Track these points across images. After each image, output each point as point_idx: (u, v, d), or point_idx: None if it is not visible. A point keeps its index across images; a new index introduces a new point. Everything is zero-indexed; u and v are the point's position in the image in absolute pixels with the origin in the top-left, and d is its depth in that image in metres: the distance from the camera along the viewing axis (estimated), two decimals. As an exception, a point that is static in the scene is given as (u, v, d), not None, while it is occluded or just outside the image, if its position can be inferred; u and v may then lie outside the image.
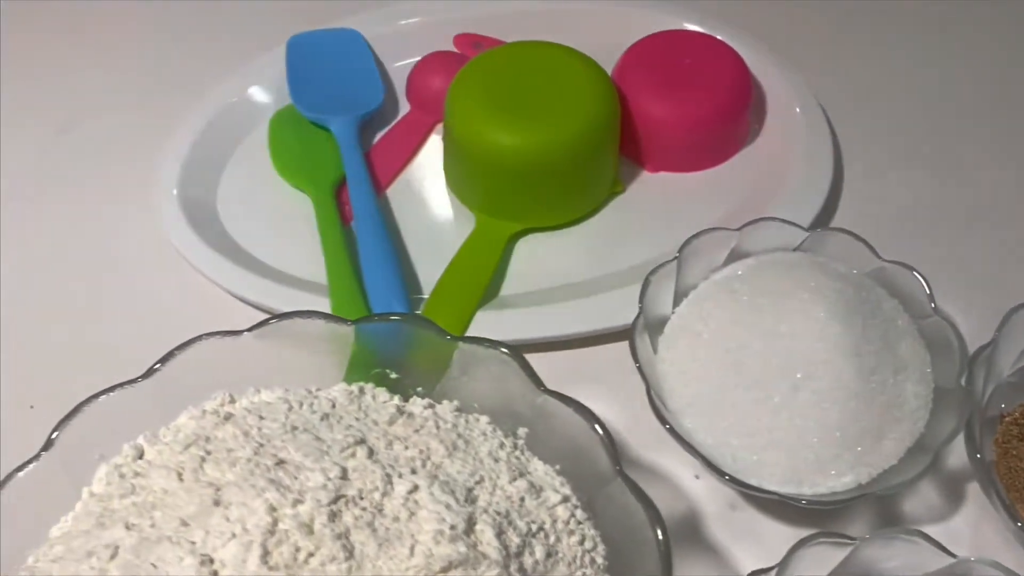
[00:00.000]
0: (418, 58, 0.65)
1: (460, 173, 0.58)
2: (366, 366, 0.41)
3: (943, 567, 0.38)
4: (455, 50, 0.65)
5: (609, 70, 0.58)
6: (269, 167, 0.61)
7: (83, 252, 0.58)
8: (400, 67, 0.67)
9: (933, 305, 0.45)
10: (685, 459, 0.46)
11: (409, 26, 0.68)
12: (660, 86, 0.58)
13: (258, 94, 0.64)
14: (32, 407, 0.50)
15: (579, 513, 0.37)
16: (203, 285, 0.55)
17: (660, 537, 0.34)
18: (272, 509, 0.32)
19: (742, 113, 0.59)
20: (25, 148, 0.65)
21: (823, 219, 0.56)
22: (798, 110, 0.60)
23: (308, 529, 0.31)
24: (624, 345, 0.50)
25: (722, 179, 0.60)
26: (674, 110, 0.57)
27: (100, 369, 0.41)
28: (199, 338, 0.40)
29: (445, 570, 0.31)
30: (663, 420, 0.42)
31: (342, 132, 0.59)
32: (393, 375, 0.41)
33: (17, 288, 0.56)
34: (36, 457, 0.37)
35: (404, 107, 0.65)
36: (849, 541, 0.38)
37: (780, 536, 0.43)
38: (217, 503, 0.33)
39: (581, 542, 0.36)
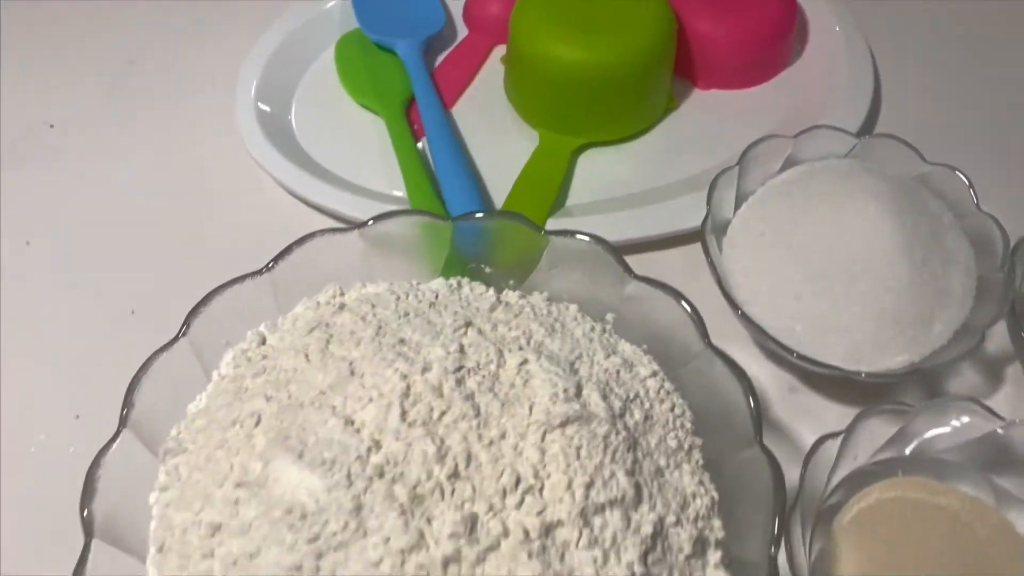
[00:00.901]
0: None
1: (524, 91, 0.61)
2: (461, 262, 0.45)
3: (992, 430, 0.42)
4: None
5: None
6: (337, 90, 0.64)
7: (167, 169, 0.62)
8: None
9: (976, 202, 0.48)
10: (748, 350, 0.50)
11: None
12: (711, 6, 0.61)
13: (324, 18, 0.67)
14: (133, 312, 0.54)
15: (667, 384, 0.41)
16: (283, 199, 0.58)
17: (752, 404, 0.38)
18: (404, 376, 0.35)
19: (788, 32, 0.62)
20: (98, 79, 0.68)
21: (867, 128, 0.59)
22: (837, 28, 0.63)
23: (438, 392, 0.35)
24: (683, 250, 0.54)
25: (769, 95, 0.63)
26: (726, 29, 0.60)
27: (193, 274, 0.44)
28: (313, 235, 0.43)
29: (563, 425, 0.34)
30: (735, 307, 0.46)
31: (408, 54, 0.63)
32: (488, 270, 0.45)
33: (109, 205, 0.60)
34: (173, 341, 0.40)
35: (460, 31, 0.68)
36: (909, 408, 0.42)
37: (837, 414, 0.47)
38: (352, 373, 0.36)
39: (672, 409, 0.40)
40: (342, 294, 0.43)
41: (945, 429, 0.42)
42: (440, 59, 0.66)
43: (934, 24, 0.68)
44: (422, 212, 0.44)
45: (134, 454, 0.38)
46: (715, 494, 0.38)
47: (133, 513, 0.37)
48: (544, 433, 0.34)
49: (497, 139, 0.61)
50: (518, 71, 0.61)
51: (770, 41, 0.61)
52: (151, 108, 0.65)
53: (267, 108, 0.61)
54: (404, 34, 0.64)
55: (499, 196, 0.57)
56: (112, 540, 0.36)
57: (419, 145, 0.60)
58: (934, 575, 0.40)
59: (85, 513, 0.36)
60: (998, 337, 0.49)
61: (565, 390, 0.36)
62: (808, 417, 0.47)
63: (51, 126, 0.63)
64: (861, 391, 0.47)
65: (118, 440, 0.38)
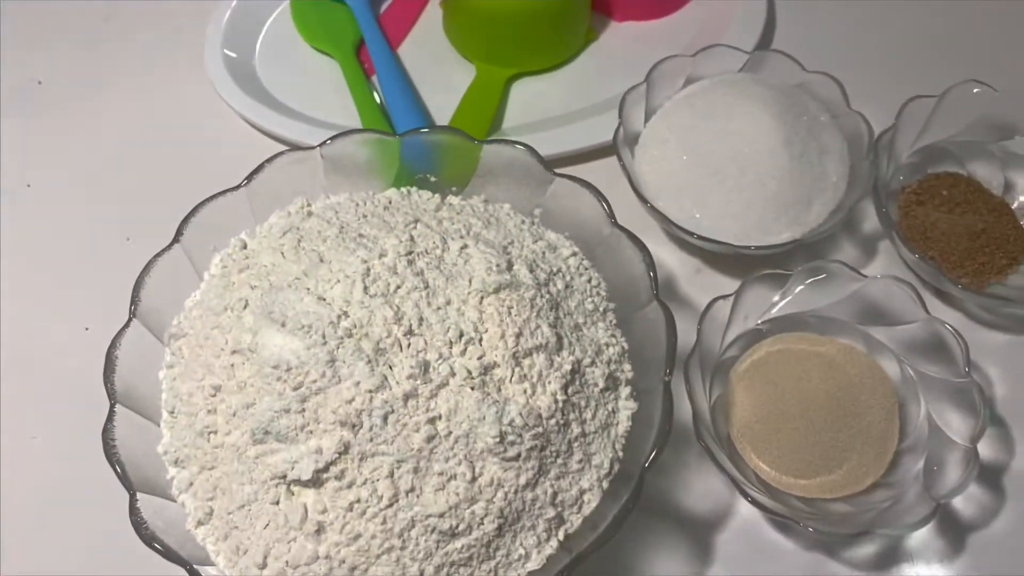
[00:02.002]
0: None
1: (461, 29, 0.68)
2: (410, 174, 0.52)
3: (859, 287, 0.50)
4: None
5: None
6: (295, 37, 0.71)
7: (146, 115, 0.69)
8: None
9: (847, 102, 0.57)
10: (660, 241, 0.58)
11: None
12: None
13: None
14: (128, 239, 0.61)
15: (585, 262, 0.49)
16: (252, 136, 0.65)
17: (649, 268, 0.46)
18: (364, 261, 0.43)
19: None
20: (78, 37, 0.74)
21: (764, 45, 0.67)
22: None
23: (393, 271, 0.42)
24: (605, 162, 0.62)
25: (677, 24, 0.70)
26: (636, -35, 0.68)
27: (178, 205, 0.49)
28: (281, 153, 0.50)
29: (497, 291, 0.42)
30: (644, 201, 0.54)
31: (356, 2, 0.70)
32: (432, 179, 0.52)
33: (97, 149, 0.67)
34: (170, 246, 0.47)
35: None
36: (787, 272, 0.50)
37: (735, 288, 0.55)
38: (321, 261, 0.44)
39: (589, 281, 0.48)
40: (309, 205, 0.51)
41: (820, 289, 0.51)
42: (385, 6, 0.73)
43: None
44: (373, 130, 0.51)
45: (143, 340, 0.46)
46: (625, 344, 0.46)
47: (147, 388, 0.45)
48: (481, 298, 0.42)
49: (439, 73, 0.68)
50: (454, 12, 0.68)
51: (676, -25, 0.69)
52: (128, 60, 0.72)
53: (233, 54, 0.68)
54: (351, -16, 0.71)
55: (443, 123, 0.64)
56: (132, 408, 0.44)
57: (370, 80, 0.67)
58: (812, 406, 0.49)
59: (108, 383, 0.44)
60: (871, 218, 0.57)
61: (498, 265, 0.43)
62: (711, 292, 0.54)
63: (39, 82, 0.70)
64: (755, 267, 0.54)
65: (130, 327, 0.45)
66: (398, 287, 0.42)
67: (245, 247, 0.49)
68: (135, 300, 0.46)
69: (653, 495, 0.50)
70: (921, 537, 0.48)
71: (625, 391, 0.45)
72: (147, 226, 0.52)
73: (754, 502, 0.44)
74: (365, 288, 0.42)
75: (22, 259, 0.61)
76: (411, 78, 0.68)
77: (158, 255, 0.47)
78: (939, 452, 0.46)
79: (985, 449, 0.50)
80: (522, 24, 0.64)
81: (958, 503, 0.49)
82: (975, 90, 0.56)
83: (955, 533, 0.48)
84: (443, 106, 0.65)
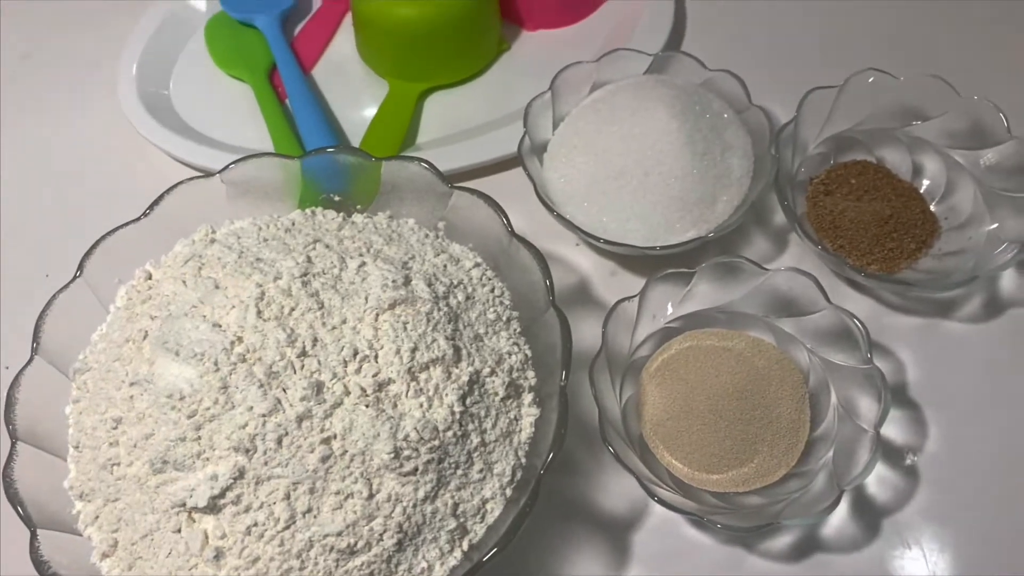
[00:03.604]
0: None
1: (371, 46, 0.68)
2: (314, 194, 0.52)
3: (761, 280, 0.51)
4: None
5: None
6: (209, 66, 0.71)
7: (65, 152, 0.69)
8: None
9: (749, 98, 0.57)
10: (573, 246, 0.59)
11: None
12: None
13: (193, 5, 0.75)
14: (47, 275, 0.61)
15: (488, 272, 0.49)
16: (170, 167, 0.65)
17: (545, 275, 0.46)
18: (259, 285, 0.43)
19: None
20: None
21: (673, 48, 0.68)
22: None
23: (288, 293, 0.43)
24: (518, 173, 0.62)
25: (588, 30, 0.71)
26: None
27: (96, 233, 0.49)
28: (181, 183, 0.50)
29: (392, 307, 0.43)
30: (550, 209, 0.54)
31: (267, 27, 0.70)
32: (336, 198, 0.52)
33: (16, 187, 0.67)
34: (71, 282, 0.48)
35: (317, 2, 0.75)
36: (691, 270, 0.51)
37: None
38: (217, 287, 0.44)
39: (492, 291, 0.48)
40: (213, 232, 0.51)
41: (728, 284, 0.51)
42: (299, 29, 0.74)
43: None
44: (271, 153, 0.51)
45: (49, 376, 0.46)
46: (528, 352, 0.47)
47: (54, 424, 0.45)
48: (377, 315, 0.43)
49: (354, 92, 0.69)
50: (364, 29, 0.68)
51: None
52: (44, 97, 0.72)
53: (147, 87, 0.68)
54: (262, 10, 0.71)
55: (358, 142, 0.64)
56: (37, 445, 0.44)
57: (284, 104, 0.67)
58: (721, 400, 0.49)
59: (8, 422, 0.44)
60: (779, 216, 0.57)
61: (394, 280, 0.44)
62: (626, 293, 0.54)
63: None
64: (665, 265, 0.54)
65: (32, 364, 0.45)
66: (292, 309, 0.42)
67: (150, 277, 0.49)
68: (36, 337, 0.46)
69: (568, 498, 0.50)
70: (836, 524, 0.48)
71: (528, 398, 0.45)
72: (66, 262, 0.52)
73: (660, 501, 0.44)
74: (259, 312, 0.42)
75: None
76: (325, 99, 0.68)
77: (60, 291, 0.47)
78: (849, 439, 0.47)
79: (898, 433, 0.51)
80: (429, 38, 0.65)
81: (872, 488, 0.49)
82: (870, 79, 0.56)
83: (869, 518, 0.48)
84: (358, 125, 0.65)
